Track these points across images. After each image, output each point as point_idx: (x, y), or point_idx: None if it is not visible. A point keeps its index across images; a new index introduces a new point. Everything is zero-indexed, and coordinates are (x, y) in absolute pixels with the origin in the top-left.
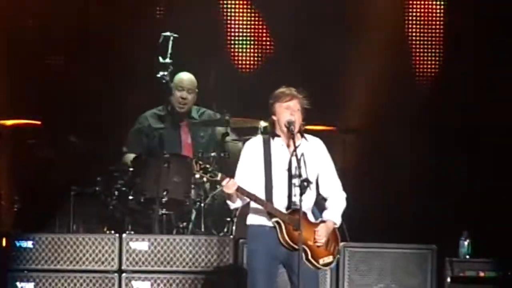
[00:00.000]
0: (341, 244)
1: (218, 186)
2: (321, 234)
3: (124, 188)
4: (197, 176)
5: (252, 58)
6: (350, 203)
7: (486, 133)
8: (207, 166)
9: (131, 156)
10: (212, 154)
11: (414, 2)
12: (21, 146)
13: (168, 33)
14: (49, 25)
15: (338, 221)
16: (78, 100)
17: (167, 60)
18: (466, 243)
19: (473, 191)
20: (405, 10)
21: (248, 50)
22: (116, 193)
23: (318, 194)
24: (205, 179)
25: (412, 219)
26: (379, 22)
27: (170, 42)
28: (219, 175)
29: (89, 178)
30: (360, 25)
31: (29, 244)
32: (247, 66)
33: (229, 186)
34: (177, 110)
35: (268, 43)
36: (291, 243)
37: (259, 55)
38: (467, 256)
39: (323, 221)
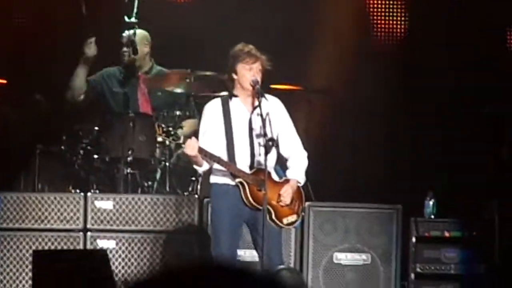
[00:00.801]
0: (306, 203)
1: (182, 147)
2: (286, 194)
3: (89, 147)
4: (160, 139)
5: None
6: (314, 162)
7: (454, 94)
8: (170, 129)
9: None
10: (177, 113)
11: None
12: None
13: None
14: None
15: (302, 179)
16: (44, 59)
17: (133, 20)
18: (431, 203)
19: (439, 150)
20: None
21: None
22: (81, 152)
23: (279, 152)
24: (167, 142)
25: (378, 179)
26: None
27: (136, 1)
28: (182, 137)
29: (55, 137)
30: None
31: None
32: None
33: (189, 147)
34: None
35: None
36: (254, 203)
37: None
38: (432, 216)
39: (287, 180)
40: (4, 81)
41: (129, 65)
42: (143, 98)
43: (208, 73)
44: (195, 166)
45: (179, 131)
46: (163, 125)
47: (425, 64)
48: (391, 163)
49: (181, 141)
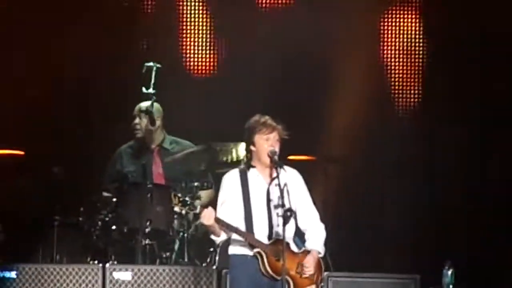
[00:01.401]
0: (325, 273)
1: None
2: (309, 265)
3: (107, 219)
4: (176, 209)
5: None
6: (332, 232)
7: (470, 161)
8: (186, 199)
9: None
10: (195, 184)
11: (391, 29)
12: (3, 176)
13: (151, 63)
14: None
15: (322, 250)
16: (60, 131)
17: (150, 90)
18: (449, 272)
19: (455, 220)
20: (381, 37)
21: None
22: (99, 223)
23: (297, 223)
24: (184, 211)
25: (395, 248)
26: (356, 48)
27: (153, 72)
28: (198, 207)
29: (72, 208)
30: (337, 52)
31: (12, 274)
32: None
33: (206, 217)
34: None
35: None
36: (273, 274)
37: None
38: (451, 286)
39: (306, 251)
40: (22, 153)
41: (141, 138)
42: (157, 171)
43: (225, 145)
44: (212, 237)
45: (197, 202)
46: (179, 195)
47: (440, 134)
48: (410, 232)
49: (197, 210)
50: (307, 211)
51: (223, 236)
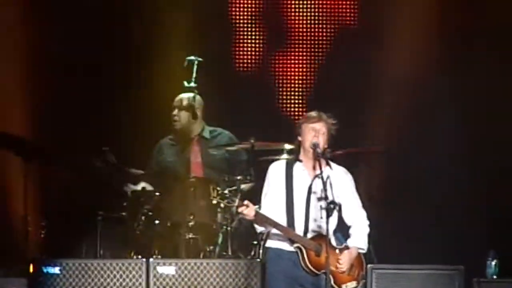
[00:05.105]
0: (368, 266)
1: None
2: (344, 262)
3: (150, 213)
4: (215, 202)
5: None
6: (378, 224)
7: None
8: (225, 192)
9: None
10: (238, 177)
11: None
12: (46, 171)
13: (192, 57)
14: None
15: (363, 245)
16: (102, 124)
17: (192, 84)
18: (493, 263)
19: (499, 210)
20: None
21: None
22: (143, 218)
23: (340, 217)
24: (222, 205)
25: (439, 239)
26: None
27: (195, 66)
28: (237, 201)
29: (115, 203)
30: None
31: (56, 270)
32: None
33: (246, 213)
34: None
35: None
36: (313, 269)
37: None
38: (494, 277)
39: (346, 247)
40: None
41: (180, 130)
42: (196, 160)
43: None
44: (254, 225)
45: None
46: (218, 188)
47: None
48: (454, 223)
49: (236, 204)
50: (353, 210)
51: (265, 226)
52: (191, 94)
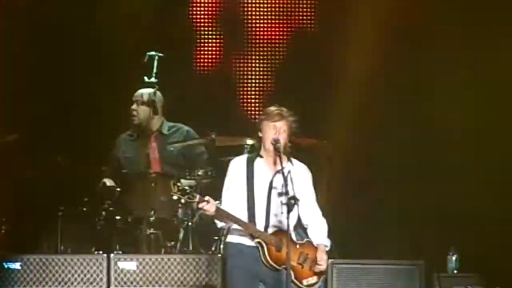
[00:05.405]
0: (329, 261)
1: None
2: (322, 260)
3: (111, 208)
4: (175, 197)
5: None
6: (337, 219)
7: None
8: (186, 188)
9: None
10: (199, 173)
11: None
12: (6, 167)
13: (153, 52)
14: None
15: (328, 243)
16: (62, 119)
17: (152, 79)
18: (454, 258)
19: (460, 205)
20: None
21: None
22: (104, 213)
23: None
24: (183, 200)
25: (400, 234)
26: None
27: (155, 62)
28: (197, 197)
29: (75, 198)
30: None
31: (16, 265)
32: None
33: (207, 209)
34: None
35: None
36: (274, 264)
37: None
38: (455, 271)
39: (308, 241)
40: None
41: (138, 125)
42: (153, 156)
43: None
44: (216, 222)
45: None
46: (178, 184)
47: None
48: (414, 218)
49: (196, 199)
50: (310, 206)
51: (225, 221)
52: (151, 90)
